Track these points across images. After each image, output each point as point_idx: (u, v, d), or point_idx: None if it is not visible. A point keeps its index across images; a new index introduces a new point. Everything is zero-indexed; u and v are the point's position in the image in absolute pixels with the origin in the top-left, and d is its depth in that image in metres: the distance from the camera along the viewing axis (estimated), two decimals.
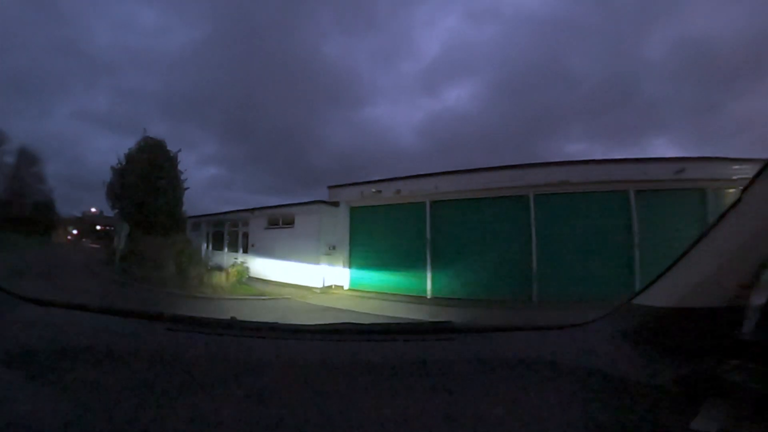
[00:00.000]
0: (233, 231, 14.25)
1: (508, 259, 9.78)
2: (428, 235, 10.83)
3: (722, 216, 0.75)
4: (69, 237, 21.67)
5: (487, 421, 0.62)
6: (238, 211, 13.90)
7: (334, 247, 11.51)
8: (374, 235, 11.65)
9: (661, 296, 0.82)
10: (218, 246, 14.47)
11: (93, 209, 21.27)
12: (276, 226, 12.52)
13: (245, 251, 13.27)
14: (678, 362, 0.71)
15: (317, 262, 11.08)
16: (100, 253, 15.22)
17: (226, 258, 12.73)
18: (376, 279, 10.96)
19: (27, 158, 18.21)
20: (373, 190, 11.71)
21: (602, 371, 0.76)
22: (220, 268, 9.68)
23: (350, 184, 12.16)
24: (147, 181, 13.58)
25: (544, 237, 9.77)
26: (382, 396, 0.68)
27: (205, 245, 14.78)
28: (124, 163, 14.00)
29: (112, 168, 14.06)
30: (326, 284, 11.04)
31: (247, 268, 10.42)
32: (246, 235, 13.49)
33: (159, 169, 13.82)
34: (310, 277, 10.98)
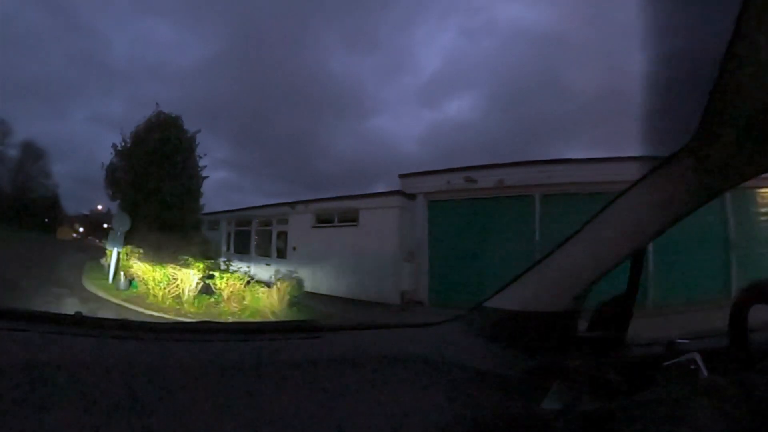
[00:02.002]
0: (264, 230, 10.81)
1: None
2: (538, 237, 7.82)
3: (572, 234, 0.83)
4: (74, 234, 20.29)
5: (355, 418, 0.59)
6: (272, 205, 10.46)
7: (412, 253, 8.16)
8: (463, 235, 8.40)
9: (510, 300, 0.88)
10: (243, 249, 11.03)
11: (100, 206, 19.74)
12: (329, 224, 9.11)
13: (282, 256, 9.84)
14: (527, 356, 0.79)
15: (393, 272, 7.74)
16: (102, 252, 12.89)
17: (256, 265, 9.29)
18: (465, 292, 7.76)
19: (31, 152, 17.77)
20: (465, 178, 8.42)
21: (461, 365, 0.78)
22: (267, 284, 6.23)
23: (432, 172, 8.83)
24: (157, 165, 10.19)
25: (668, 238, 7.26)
26: (244, 399, 0.59)
27: (224, 248, 11.36)
28: (129, 142, 10.62)
29: (114, 147, 10.65)
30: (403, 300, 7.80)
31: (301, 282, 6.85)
32: (283, 236, 10.05)
33: (173, 151, 10.44)
34: (380, 291, 7.67)
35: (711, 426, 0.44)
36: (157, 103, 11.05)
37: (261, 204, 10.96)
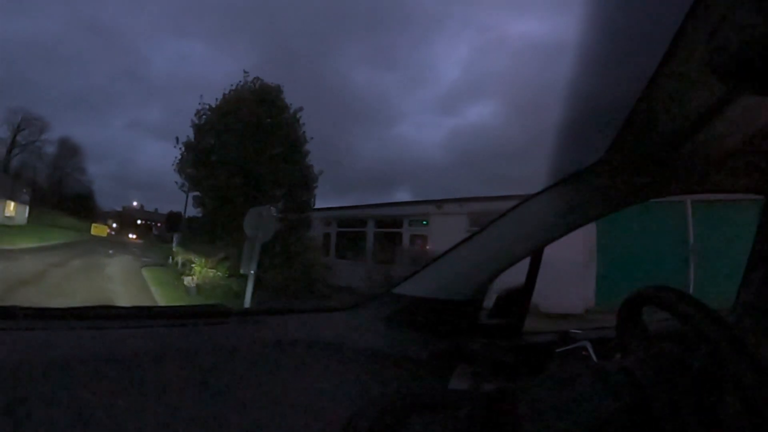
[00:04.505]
0: (386, 233, 8.94)
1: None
2: (692, 240, 7.45)
3: (478, 231, 0.91)
4: (108, 230, 19.84)
5: (261, 406, 0.58)
6: (402, 203, 8.64)
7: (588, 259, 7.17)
8: (627, 239, 7.56)
9: (417, 288, 0.92)
10: (351, 254, 9.06)
11: (135, 203, 21.21)
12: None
13: (417, 262, 8.12)
14: (434, 340, 0.82)
15: (577, 281, 6.71)
16: (144, 249, 10.60)
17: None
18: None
19: (67, 148, 18.03)
20: None
21: (369, 348, 0.79)
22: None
23: None
24: (256, 145, 7.84)
25: None
26: (143, 392, 0.55)
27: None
28: (212, 114, 8.08)
29: (194, 120, 8.05)
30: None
31: None
32: (420, 240, 8.32)
33: (274, 129, 8.13)
34: (568, 302, 6.57)
35: (599, 402, 0.48)
36: (245, 71, 8.62)
37: (384, 202, 9.06)
